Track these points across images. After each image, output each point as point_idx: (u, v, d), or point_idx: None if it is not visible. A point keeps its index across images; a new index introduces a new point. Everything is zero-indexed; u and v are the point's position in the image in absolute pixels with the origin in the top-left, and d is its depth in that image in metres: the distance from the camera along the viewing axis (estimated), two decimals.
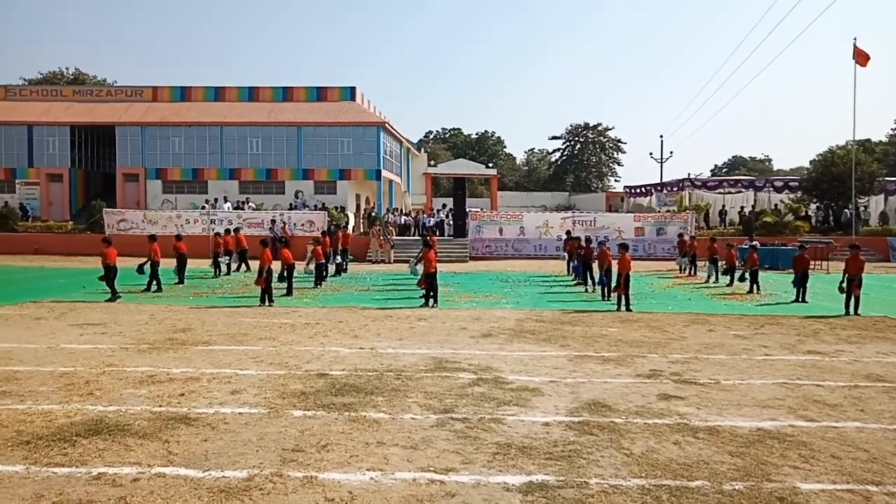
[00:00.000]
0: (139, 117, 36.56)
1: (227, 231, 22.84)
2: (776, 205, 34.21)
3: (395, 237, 28.64)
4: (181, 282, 17.76)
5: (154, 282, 16.19)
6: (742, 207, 34.62)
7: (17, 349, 9.15)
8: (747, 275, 17.13)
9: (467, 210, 30.70)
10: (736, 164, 77.77)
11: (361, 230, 31.83)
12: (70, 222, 32.08)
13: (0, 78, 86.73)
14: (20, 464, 4.97)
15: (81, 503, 4.31)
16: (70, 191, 36.39)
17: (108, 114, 37.02)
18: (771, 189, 36.06)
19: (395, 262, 26.54)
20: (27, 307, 13.35)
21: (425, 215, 34.65)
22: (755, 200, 35.96)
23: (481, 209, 35.89)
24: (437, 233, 30.17)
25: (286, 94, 38.95)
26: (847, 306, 13.33)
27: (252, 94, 38.99)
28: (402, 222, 32.80)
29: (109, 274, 14.44)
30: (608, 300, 14.95)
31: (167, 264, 17.39)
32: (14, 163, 36.19)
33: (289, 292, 15.46)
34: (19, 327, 10.99)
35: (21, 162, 36.17)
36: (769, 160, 78.15)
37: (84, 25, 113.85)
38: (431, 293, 14.26)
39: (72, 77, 56.27)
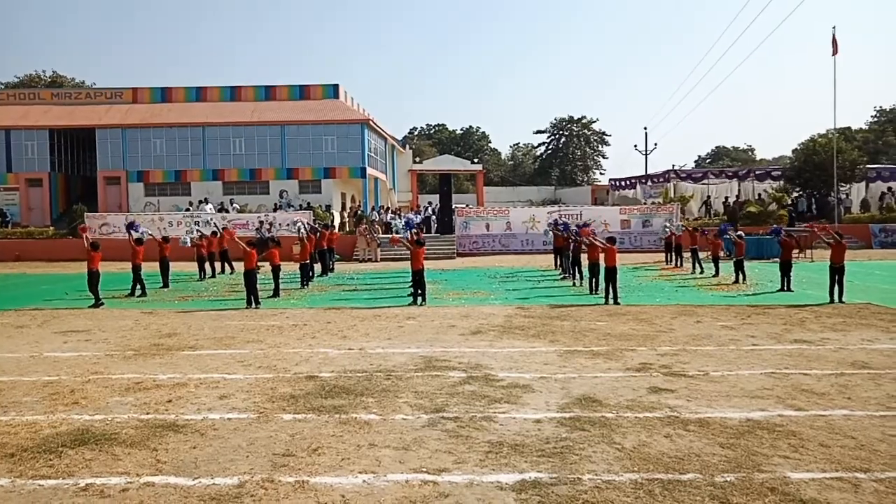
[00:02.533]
0: (119, 119, 36.12)
1: (214, 233, 22.60)
2: (759, 194, 34.54)
3: (381, 235, 28.54)
4: (166, 285, 17.57)
5: (138, 286, 16.03)
6: (726, 198, 34.90)
7: None
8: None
9: (454, 206, 30.65)
10: (719, 154, 78.32)
11: (347, 229, 31.70)
12: (51, 228, 31.63)
13: None
14: (5, 477, 4.88)
15: None
16: (50, 195, 35.87)
17: (88, 116, 36.53)
18: (754, 179, 36.39)
19: (382, 260, 26.46)
20: (8, 315, 13.14)
21: (412, 212, 34.57)
22: (739, 190, 36.28)
23: (467, 205, 35.88)
24: (424, 229, 30.10)
25: (269, 92, 38.65)
26: (831, 294, 13.48)
27: (234, 93, 38.64)
28: (389, 220, 32.70)
29: (92, 279, 14.27)
30: (596, 294, 15.00)
31: (150, 268, 17.21)
32: None
33: (275, 293, 15.35)
34: (1, 336, 10.81)
35: None
36: (752, 150, 78.82)
37: (61, 26, 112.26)
38: (419, 291, 14.22)
39: (49, 80, 55.42)
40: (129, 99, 38.21)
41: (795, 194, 33.65)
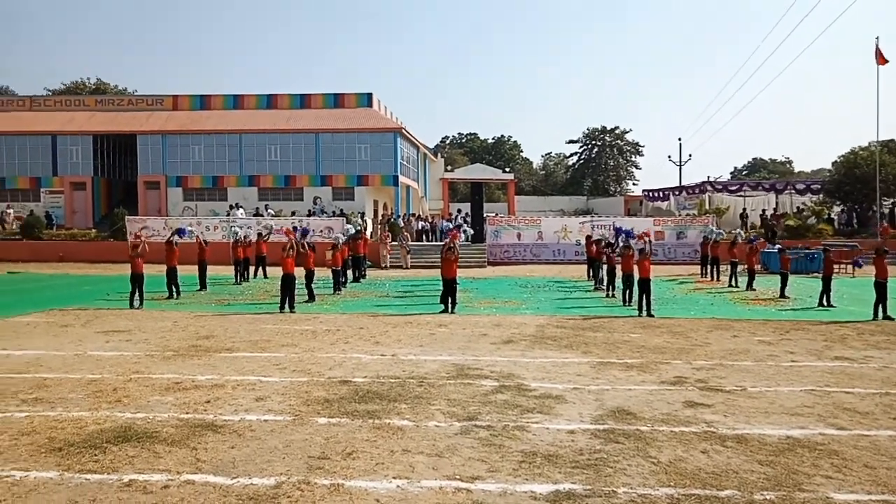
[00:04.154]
0: (160, 126, 37.08)
1: (260, 235, 23.08)
2: (798, 207, 33.80)
3: (411, 242, 28.66)
4: (203, 288, 17.95)
5: (173, 288, 16.40)
6: (763, 210, 34.22)
7: (46, 356, 9.31)
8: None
9: (485, 215, 30.67)
10: (756, 166, 76.86)
11: (378, 236, 31.95)
12: (93, 230, 32.55)
13: (26, 89, 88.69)
14: (54, 470, 5.05)
15: None
16: (93, 199, 36.96)
17: (130, 122, 37.60)
18: (792, 191, 35.64)
19: (413, 267, 26.56)
20: (54, 314, 13.57)
21: (443, 220, 34.68)
22: (777, 203, 35.55)
23: (497, 214, 35.84)
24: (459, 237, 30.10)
25: (304, 101, 39.30)
26: (875, 310, 13.10)
27: (270, 101, 39.39)
28: (420, 227, 32.84)
29: (137, 282, 14.63)
30: (629, 306, 14.84)
31: (187, 271, 17.61)
32: (39, 172, 36.88)
33: (310, 298, 15.57)
34: (47, 334, 11.18)
35: (46, 171, 36.84)
36: (790, 162, 77.11)
37: (103, 35, 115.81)
38: (450, 299, 14.25)
39: (93, 87, 57.19)
40: (170, 106, 39.23)
41: (837, 208, 32.84)
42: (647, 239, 14.92)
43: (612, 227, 19.96)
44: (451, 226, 30.34)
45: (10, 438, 5.78)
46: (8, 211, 33.76)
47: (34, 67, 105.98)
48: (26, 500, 4.54)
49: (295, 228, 27.83)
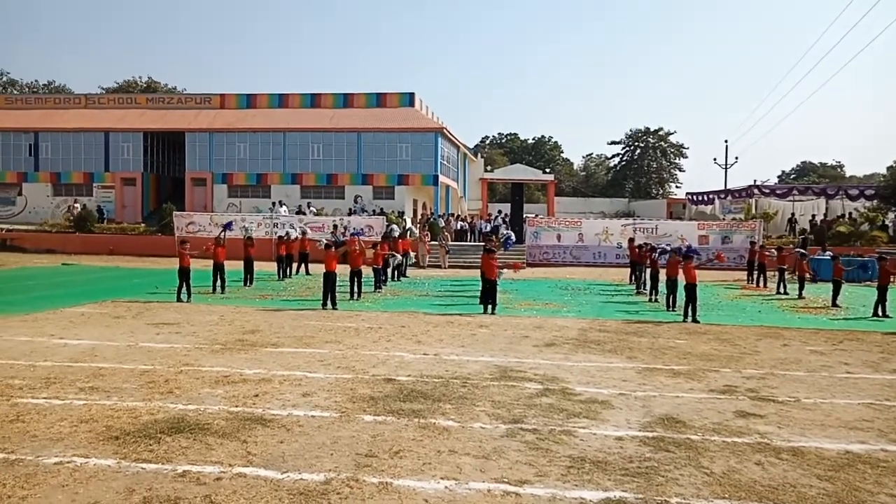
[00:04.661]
0: (207, 124, 37.99)
1: (304, 233, 23.73)
2: (850, 213, 32.64)
3: (450, 242, 28.65)
4: (248, 283, 18.29)
5: (218, 282, 16.73)
6: (813, 216, 33.17)
7: (101, 346, 9.62)
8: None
9: (524, 216, 30.46)
10: (805, 169, 74.57)
11: (418, 235, 32.04)
12: (142, 224, 33.56)
13: (82, 87, 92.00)
14: (111, 458, 5.21)
15: (170, 500, 4.47)
16: (142, 194, 38.14)
17: (179, 120, 38.63)
18: (844, 197, 34.43)
19: (450, 267, 26.56)
20: (107, 306, 14.01)
21: (481, 220, 34.61)
22: (827, 208, 34.41)
23: (537, 215, 35.59)
24: (495, 238, 30.01)
25: (347, 100, 39.76)
26: None
27: (314, 100, 39.97)
28: (459, 227, 32.83)
29: (184, 276, 14.95)
30: (672, 311, 14.55)
31: (232, 266, 17.96)
32: (92, 167, 38.24)
33: (358, 295, 15.75)
34: (101, 325, 11.54)
35: (98, 167, 38.16)
36: (841, 166, 74.61)
37: (155, 35, 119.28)
38: (490, 300, 14.20)
39: (145, 85, 58.96)
40: (217, 104, 40.17)
41: (892, 214, 31.60)
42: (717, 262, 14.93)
43: (686, 243, 19.48)
44: (489, 226, 30.33)
45: (69, 425, 5.98)
46: (75, 205, 35.05)
47: (90, 66, 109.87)
48: (87, 485, 4.69)
49: (335, 226, 28.38)
